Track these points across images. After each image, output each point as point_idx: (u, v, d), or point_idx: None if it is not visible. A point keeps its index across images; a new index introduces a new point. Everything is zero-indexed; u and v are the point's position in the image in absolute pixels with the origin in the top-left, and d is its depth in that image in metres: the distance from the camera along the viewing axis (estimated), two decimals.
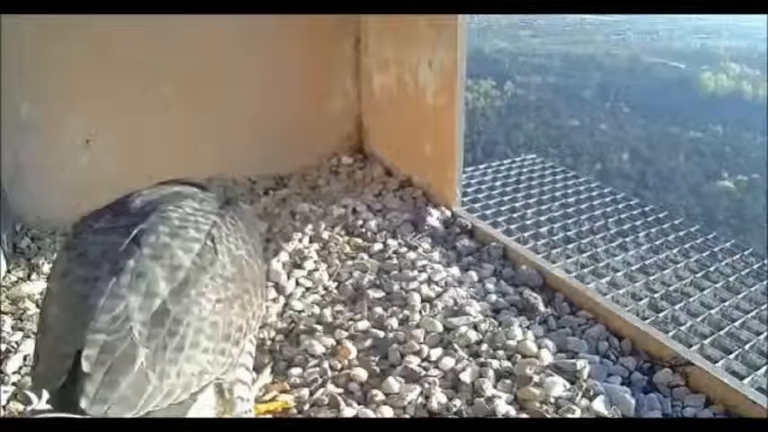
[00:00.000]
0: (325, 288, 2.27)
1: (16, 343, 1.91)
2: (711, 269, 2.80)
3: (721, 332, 2.29)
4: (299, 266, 2.36)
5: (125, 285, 1.14)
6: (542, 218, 3.24)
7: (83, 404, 1.05)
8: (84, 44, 2.56)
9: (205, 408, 1.26)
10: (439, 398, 1.71)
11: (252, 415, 1.54)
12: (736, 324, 2.36)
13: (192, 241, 1.26)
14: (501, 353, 1.88)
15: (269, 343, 1.99)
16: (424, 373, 1.80)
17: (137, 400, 1.08)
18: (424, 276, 2.25)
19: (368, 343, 1.94)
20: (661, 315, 2.39)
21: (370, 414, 1.67)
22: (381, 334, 1.97)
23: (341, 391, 1.76)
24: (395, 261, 2.38)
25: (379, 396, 1.72)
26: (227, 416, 1.35)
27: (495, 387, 1.76)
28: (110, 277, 1.15)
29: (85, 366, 1.06)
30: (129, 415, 1.07)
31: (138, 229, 1.24)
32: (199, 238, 1.28)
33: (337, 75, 3.30)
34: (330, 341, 1.95)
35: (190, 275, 1.21)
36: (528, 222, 3.18)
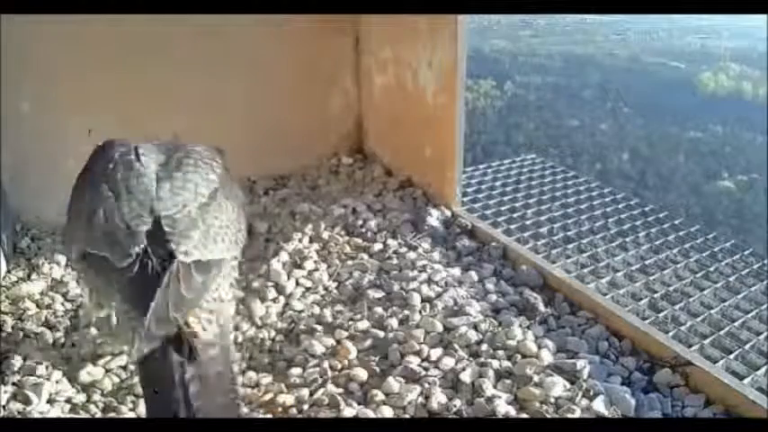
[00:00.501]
0: (326, 288, 2.27)
1: (16, 343, 1.91)
2: (711, 269, 2.81)
3: (721, 332, 2.29)
4: (299, 266, 2.36)
5: (179, 188, 1.64)
6: (542, 218, 3.25)
7: (172, 246, 1.49)
8: (85, 44, 2.56)
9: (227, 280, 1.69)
10: (439, 398, 1.71)
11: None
12: (736, 324, 2.37)
13: (217, 165, 1.80)
14: (501, 353, 1.88)
15: (269, 343, 1.99)
16: (424, 373, 1.80)
17: (204, 245, 1.55)
18: (424, 276, 2.25)
19: (368, 343, 1.94)
20: (661, 315, 2.39)
21: (370, 414, 1.67)
22: (381, 334, 1.97)
23: (341, 391, 1.76)
24: (395, 261, 2.38)
25: (379, 396, 1.72)
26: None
27: (495, 387, 1.75)
28: (166, 184, 1.63)
29: (167, 227, 1.52)
30: (198, 256, 1.51)
31: (177, 157, 1.74)
32: (220, 163, 1.83)
33: (337, 75, 3.30)
34: (330, 341, 1.95)
35: (218, 182, 1.74)
36: (528, 222, 3.18)
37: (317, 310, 2.13)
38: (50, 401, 1.72)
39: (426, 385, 1.74)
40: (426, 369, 1.82)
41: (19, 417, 1.64)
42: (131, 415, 1.71)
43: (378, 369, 1.83)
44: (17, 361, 1.84)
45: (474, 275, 2.30)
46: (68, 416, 1.69)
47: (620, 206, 3.48)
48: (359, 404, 1.71)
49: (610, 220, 3.26)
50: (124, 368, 1.88)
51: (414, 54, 2.83)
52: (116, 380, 1.83)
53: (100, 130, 2.68)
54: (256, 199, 2.96)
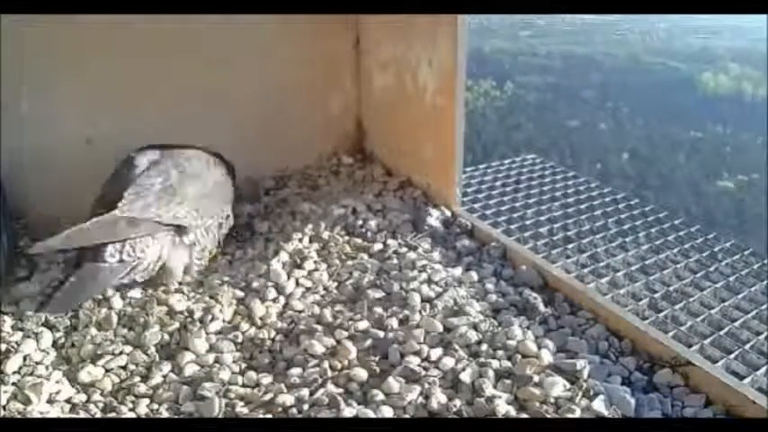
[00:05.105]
0: (325, 288, 2.27)
1: (16, 343, 1.91)
2: (711, 269, 2.81)
3: (721, 332, 2.29)
4: (299, 266, 2.36)
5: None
6: (542, 218, 3.25)
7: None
8: (85, 44, 2.56)
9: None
10: (439, 398, 1.71)
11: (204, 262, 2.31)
12: (736, 324, 2.37)
13: (203, 163, 2.41)
14: (501, 353, 1.88)
15: (269, 343, 1.99)
16: (424, 373, 1.80)
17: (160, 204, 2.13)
18: (424, 276, 2.25)
19: (368, 343, 1.94)
20: (661, 315, 2.39)
21: (370, 414, 1.67)
22: (381, 334, 1.97)
23: (341, 391, 1.75)
24: (395, 261, 2.38)
25: (379, 396, 1.72)
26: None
27: (495, 387, 1.75)
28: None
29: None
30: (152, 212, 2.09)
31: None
32: (204, 164, 2.42)
33: (337, 75, 3.30)
34: (330, 341, 1.95)
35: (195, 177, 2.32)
36: (528, 222, 3.19)
37: (317, 310, 2.13)
38: (50, 401, 1.72)
39: (426, 385, 1.74)
40: (426, 369, 1.81)
41: (19, 417, 1.64)
42: (131, 415, 1.71)
43: (378, 369, 1.83)
44: (17, 361, 1.84)
45: (474, 275, 2.30)
46: (68, 416, 1.69)
47: (620, 206, 3.49)
48: (359, 404, 1.71)
49: (610, 220, 3.26)
50: (124, 368, 1.88)
51: (414, 54, 2.83)
52: (116, 380, 1.83)
53: (99, 130, 2.70)
54: (256, 199, 2.95)
